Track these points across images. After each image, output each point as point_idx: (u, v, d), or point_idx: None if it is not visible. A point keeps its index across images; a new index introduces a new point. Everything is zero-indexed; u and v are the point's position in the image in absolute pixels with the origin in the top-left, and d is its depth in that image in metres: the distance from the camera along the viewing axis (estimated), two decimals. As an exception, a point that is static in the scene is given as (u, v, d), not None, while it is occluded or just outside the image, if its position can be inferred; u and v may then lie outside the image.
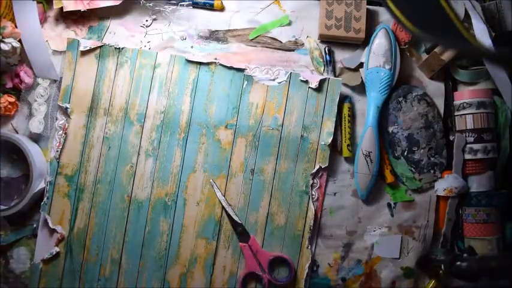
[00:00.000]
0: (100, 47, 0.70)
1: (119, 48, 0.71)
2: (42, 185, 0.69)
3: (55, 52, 0.72)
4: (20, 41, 0.69)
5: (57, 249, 0.69)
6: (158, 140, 0.70)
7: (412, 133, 0.71)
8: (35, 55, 0.70)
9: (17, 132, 0.71)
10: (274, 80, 0.71)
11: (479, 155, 0.69)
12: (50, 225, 0.69)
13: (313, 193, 0.70)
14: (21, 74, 0.70)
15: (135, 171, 0.70)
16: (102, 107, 0.70)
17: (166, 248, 0.70)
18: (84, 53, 0.70)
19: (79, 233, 0.70)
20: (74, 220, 0.70)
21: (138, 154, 0.70)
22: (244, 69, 0.71)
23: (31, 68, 0.70)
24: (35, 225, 0.70)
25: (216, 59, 0.71)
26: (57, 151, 0.70)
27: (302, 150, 0.70)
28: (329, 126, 0.70)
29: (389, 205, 0.72)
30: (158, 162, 0.70)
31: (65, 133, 0.70)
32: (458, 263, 0.65)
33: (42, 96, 0.71)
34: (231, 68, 0.71)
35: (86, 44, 0.70)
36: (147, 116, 0.71)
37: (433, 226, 0.71)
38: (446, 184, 0.70)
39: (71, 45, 0.70)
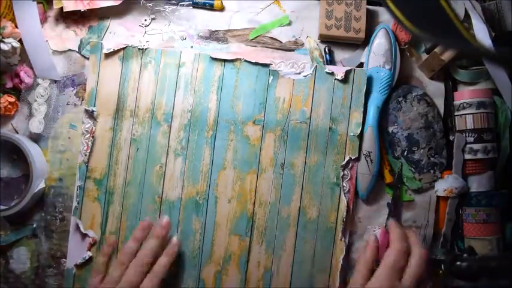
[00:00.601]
0: (123, 48, 0.70)
1: (142, 48, 0.70)
2: (42, 185, 0.69)
3: (55, 52, 0.72)
4: (20, 41, 0.69)
5: (89, 253, 0.69)
6: (186, 139, 0.70)
7: (412, 133, 0.71)
8: (36, 55, 0.70)
9: (17, 132, 0.71)
10: (299, 73, 0.71)
11: (479, 155, 0.69)
12: (82, 229, 0.69)
13: (344, 185, 0.70)
14: (21, 74, 0.70)
15: (165, 171, 0.70)
16: (128, 108, 0.70)
17: (200, 247, 0.69)
18: (107, 56, 0.70)
19: (111, 236, 0.69)
20: (105, 224, 0.69)
21: (167, 154, 0.70)
22: (269, 64, 0.70)
23: (31, 68, 0.70)
24: (34, 225, 0.70)
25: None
26: (85, 155, 0.69)
27: (331, 142, 0.70)
28: (357, 117, 0.70)
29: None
30: (187, 161, 0.70)
31: (92, 137, 0.70)
32: (458, 263, 0.65)
33: (42, 96, 0.71)
34: (256, 63, 0.71)
35: (109, 46, 0.70)
36: (174, 116, 0.70)
37: (433, 226, 0.71)
38: (446, 184, 0.70)
39: (94, 48, 0.70)
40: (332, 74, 0.70)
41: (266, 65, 0.70)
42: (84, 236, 0.69)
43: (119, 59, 0.70)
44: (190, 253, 0.69)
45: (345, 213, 0.69)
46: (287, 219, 0.70)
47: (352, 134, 0.70)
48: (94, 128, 0.70)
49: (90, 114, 0.70)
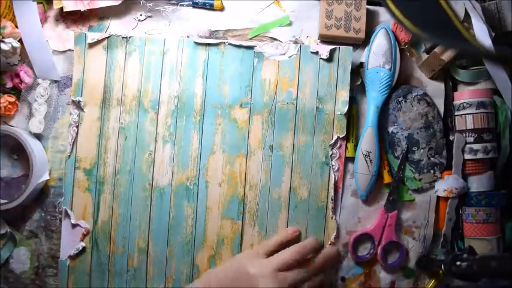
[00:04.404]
0: (107, 37, 0.70)
1: (126, 37, 0.71)
2: (46, 176, 0.69)
3: (55, 52, 0.72)
4: (20, 41, 0.69)
5: (82, 244, 0.69)
6: (174, 125, 0.70)
7: (412, 133, 0.71)
8: (36, 55, 0.70)
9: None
10: (284, 54, 0.71)
11: (479, 155, 0.69)
12: (73, 220, 0.69)
13: (333, 163, 0.70)
14: (21, 74, 0.70)
15: (154, 158, 0.70)
16: (114, 97, 0.70)
17: (193, 232, 0.70)
18: (92, 45, 0.70)
19: (103, 225, 0.70)
20: (97, 213, 0.70)
21: (156, 141, 0.70)
22: (253, 46, 0.71)
23: (31, 68, 0.70)
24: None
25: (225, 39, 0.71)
26: (72, 146, 0.70)
27: (319, 121, 0.70)
28: (344, 95, 0.70)
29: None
30: (176, 147, 0.70)
31: (80, 127, 0.70)
32: (458, 263, 0.65)
33: (42, 96, 0.71)
34: (240, 46, 0.71)
35: (93, 36, 0.70)
36: (161, 102, 0.71)
37: (433, 226, 0.71)
38: (446, 185, 0.70)
39: (79, 39, 0.70)
40: (317, 53, 0.70)
41: (250, 47, 0.71)
42: (76, 226, 0.69)
43: (104, 48, 0.70)
44: (183, 239, 0.70)
45: (334, 191, 0.70)
46: (278, 201, 0.70)
47: (339, 112, 0.70)
48: (81, 118, 0.70)
49: (77, 105, 0.70)
